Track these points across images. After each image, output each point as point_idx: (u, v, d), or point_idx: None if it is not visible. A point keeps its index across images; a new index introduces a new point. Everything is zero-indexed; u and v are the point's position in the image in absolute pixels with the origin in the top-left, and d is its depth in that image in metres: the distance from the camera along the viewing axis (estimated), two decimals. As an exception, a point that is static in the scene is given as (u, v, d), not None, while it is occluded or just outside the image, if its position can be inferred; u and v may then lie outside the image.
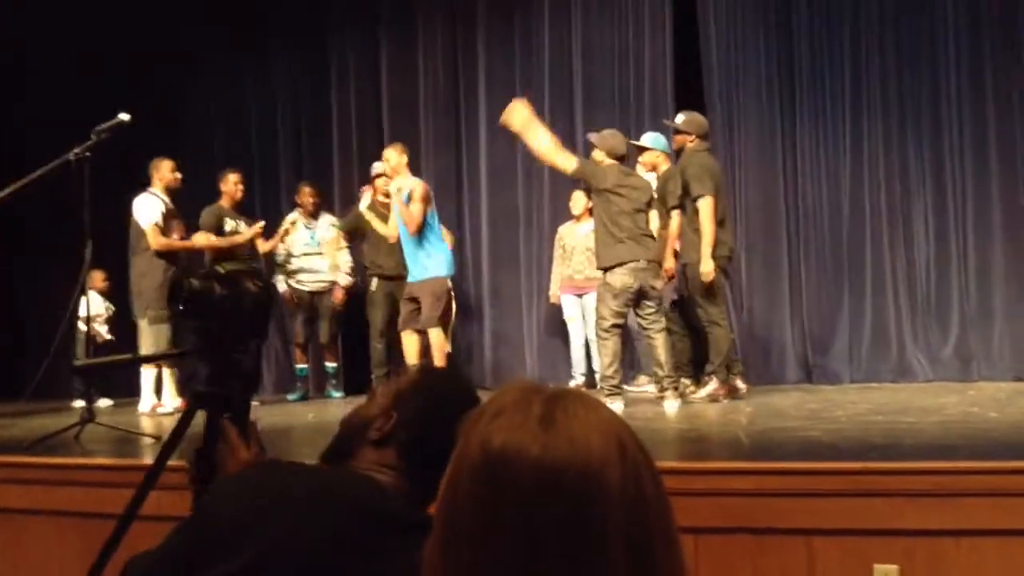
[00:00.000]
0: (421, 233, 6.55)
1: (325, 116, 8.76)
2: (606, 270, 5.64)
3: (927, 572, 2.81)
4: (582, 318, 7.34)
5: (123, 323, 7.53)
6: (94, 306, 7.25)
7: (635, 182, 5.86)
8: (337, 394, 7.58)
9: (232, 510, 1.40)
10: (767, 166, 7.62)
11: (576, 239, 7.32)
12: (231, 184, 7.11)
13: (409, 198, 6.54)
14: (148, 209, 6.40)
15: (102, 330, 7.57)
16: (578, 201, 7.31)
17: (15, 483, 3.77)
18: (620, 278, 5.55)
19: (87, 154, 4.97)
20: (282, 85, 8.87)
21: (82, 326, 7.16)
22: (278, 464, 1.59)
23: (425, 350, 6.63)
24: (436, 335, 6.54)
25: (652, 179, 6.64)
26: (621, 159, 5.90)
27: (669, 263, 5.98)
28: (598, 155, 5.96)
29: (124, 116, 5.05)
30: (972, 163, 7.28)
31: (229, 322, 1.69)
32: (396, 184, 6.72)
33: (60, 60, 8.45)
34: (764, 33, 7.65)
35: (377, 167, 7.37)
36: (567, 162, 5.66)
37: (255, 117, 8.92)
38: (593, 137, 6.14)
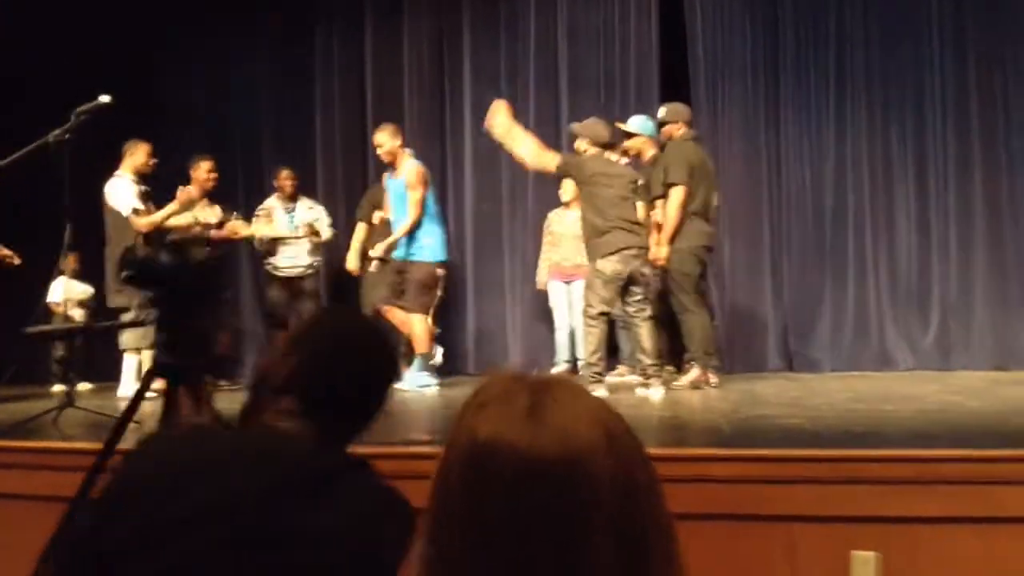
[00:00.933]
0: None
1: (308, 102, 8.69)
2: (596, 258, 5.63)
3: (906, 559, 2.82)
4: (568, 305, 7.33)
5: (101, 306, 7.48)
6: (69, 289, 7.19)
7: (618, 170, 5.88)
8: None
9: (152, 469, 1.39)
10: (751, 153, 7.63)
11: (565, 226, 7.29)
12: (203, 172, 6.89)
13: (405, 186, 6.49)
14: (124, 194, 6.23)
15: (76, 313, 7.49)
16: (567, 187, 7.26)
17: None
18: (611, 265, 5.56)
19: (67, 136, 4.92)
20: (266, 71, 8.78)
21: (61, 310, 7.11)
22: (190, 428, 1.58)
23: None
24: (419, 322, 6.51)
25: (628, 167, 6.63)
26: (605, 147, 5.90)
27: (663, 251, 5.94)
28: (582, 144, 5.96)
29: (105, 98, 5.01)
30: (955, 152, 7.32)
31: (176, 290, 1.69)
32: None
33: (51, 49, 8.35)
34: (750, 18, 7.65)
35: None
36: (550, 161, 5.67)
37: (238, 103, 8.82)
38: (576, 127, 6.13)
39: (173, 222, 6.44)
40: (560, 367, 7.32)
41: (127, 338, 6.28)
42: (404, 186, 6.48)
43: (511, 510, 0.84)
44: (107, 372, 7.15)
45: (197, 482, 1.35)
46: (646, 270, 5.72)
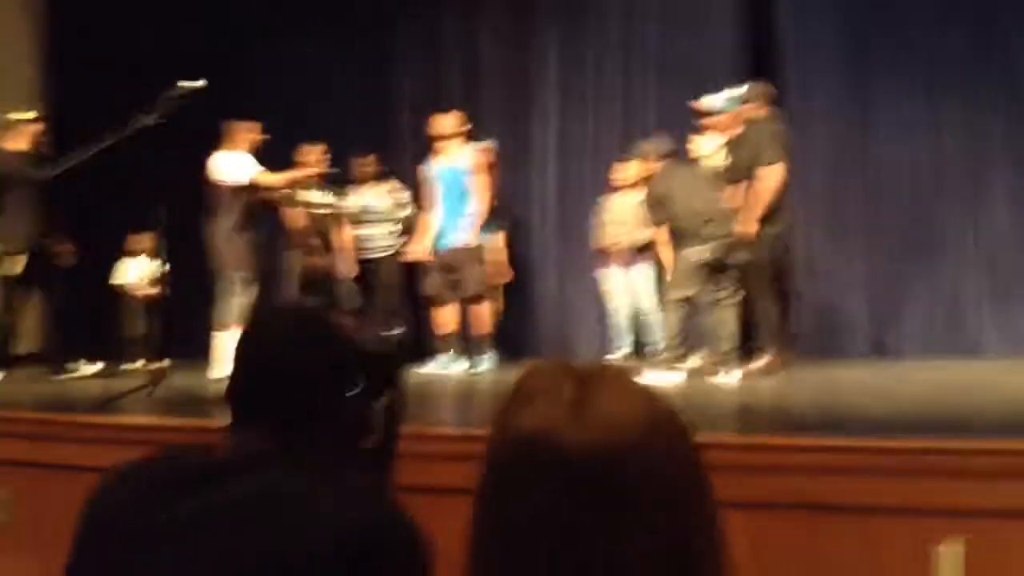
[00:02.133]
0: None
1: (388, 92, 8.69)
2: (687, 245, 5.60)
3: (993, 554, 2.74)
4: (626, 289, 7.27)
5: (183, 283, 7.68)
6: (145, 268, 7.41)
7: (690, 172, 5.86)
8: None
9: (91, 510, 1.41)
10: (840, 136, 7.46)
11: (624, 209, 7.19)
12: (315, 156, 6.96)
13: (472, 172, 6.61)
14: (237, 163, 6.25)
15: (152, 291, 7.67)
16: (632, 170, 7.16)
17: (85, 442, 3.88)
18: (702, 253, 5.53)
19: (163, 119, 5.04)
20: (346, 62, 8.83)
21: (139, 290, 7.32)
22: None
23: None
24: (485, 305, 6.58)
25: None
26: (669, 155, 5.91)
27: (753, 229, 5.84)
28: (650, 162, 6.02)
29: (200, 82, 5.11)
30: (1053, 133, 7.06)
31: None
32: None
33: (140, 36, 8.59)
34: (838, 1, 7.46)
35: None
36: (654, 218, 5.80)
37: (319, 96, 8.89)
38: (637, 154, 6.29)
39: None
40: (623, 352, 7.27)
41: (222, 315, 6.29)
42: (465, 171, 6.58)
43: (553, 504, 0.84)
44: (184, 350, 7.37)
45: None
46: (740, 257, 5.66)
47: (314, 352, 1.48)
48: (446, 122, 6.76)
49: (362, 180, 7.63)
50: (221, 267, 6.31)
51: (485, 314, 6.60)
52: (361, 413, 1.50)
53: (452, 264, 6.63)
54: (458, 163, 6.62)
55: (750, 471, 2.91)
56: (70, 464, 3.83)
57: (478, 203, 6.62)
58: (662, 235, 5.78)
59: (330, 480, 1.36)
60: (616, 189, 7.28)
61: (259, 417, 1.43)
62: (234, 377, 1.50)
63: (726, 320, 5.64)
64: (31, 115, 6.53)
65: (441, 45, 8.66)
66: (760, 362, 5.85)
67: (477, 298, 6.58)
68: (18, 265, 6.34)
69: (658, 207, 5.74)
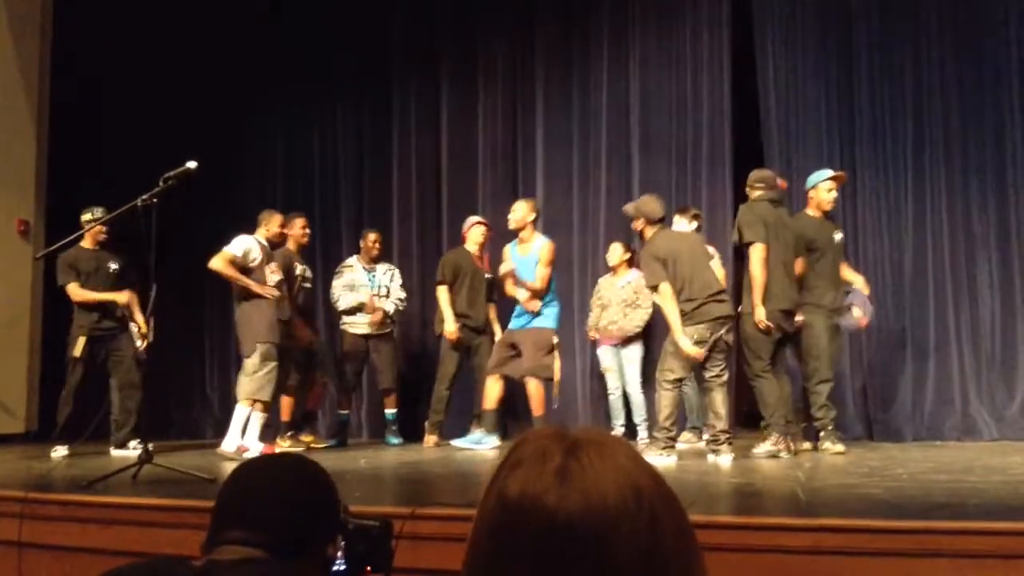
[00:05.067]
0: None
1: (386, 165, 8.89)
2: (686, 325, 5.59)
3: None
4: (618, 369, 7.28)
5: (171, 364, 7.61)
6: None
7: (682, 244, 5.85)
8: (396, 440, 7.58)
9: None
10: (827, 219, 7.52)
11: (612, 291, 7.28)
12: (298, 229, 7.14)
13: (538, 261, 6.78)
14: (236, 243, 6.40)
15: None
16: (614, 253, 7.31)
17: (72, 521, 3.82)
18: (699, 333, 5.56)
19: (154, 200, 5.09)
20: (346, 135, 9.03)
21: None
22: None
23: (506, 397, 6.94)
24: (536, 386, 6.60)
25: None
26: (660, 222, 5.90)
27: (760, 312, 5.84)
28: (638, 224, 5.97)
29: (191, 164, 5.18)
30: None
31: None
32: (506, 267, 6.87)
33: (132, 104, 8.74)
34: (824, 85, 7.60)
35: (473, 218, 7.58)
36: (659, 286, 5.68)
37: (318, 165, 9.09)
38: (629, 207, 6.16)
39: (272, 279, 6.57)
40: (616, 431, 7.25)
41: (244, 388, 6.28)
42: (536, 260, 6.74)
43: (539, 568, 0.83)
44: (184, 428, 7.26)
45: None
46: (729, 337, 5.70)
47: (295, 491, 1.62)
48: (520, 204, 6.96)
49: (367, 256, 7.69)
50: (242, 341, 6.41)
51: (536, 395, 6.62)
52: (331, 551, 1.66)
53: (512, 341, 6.79)
54: (532, 251, 6.80)
55: (746, 552, 2.88)
56: (55, 544, 3.77)
57: (544, 289, 6.78)
58: (664, 290, 5.67)
59: None
60: (611, 270, 7.36)
61: (240, 540, 1.52)
62: (223, 505, 1.59)
63: (718, 400, 5.64)
64: (89, 215, 6.58)
65: (433, 119, 8.80)
66: (766, 444, 5.79)
67: (530, 378, 6.65)
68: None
69: (658, 269, 5.68)
